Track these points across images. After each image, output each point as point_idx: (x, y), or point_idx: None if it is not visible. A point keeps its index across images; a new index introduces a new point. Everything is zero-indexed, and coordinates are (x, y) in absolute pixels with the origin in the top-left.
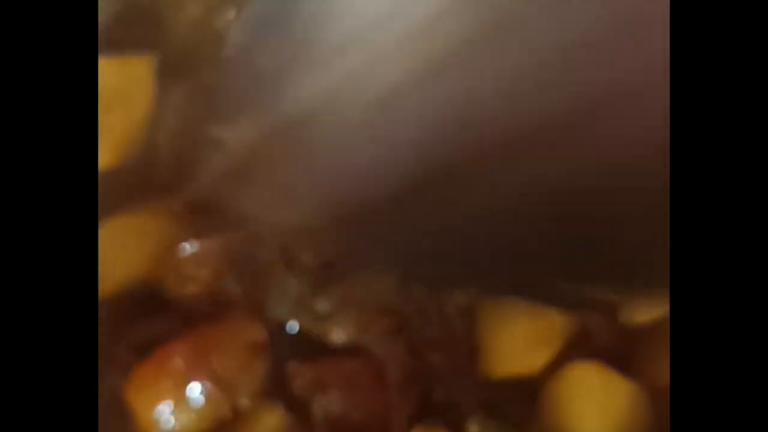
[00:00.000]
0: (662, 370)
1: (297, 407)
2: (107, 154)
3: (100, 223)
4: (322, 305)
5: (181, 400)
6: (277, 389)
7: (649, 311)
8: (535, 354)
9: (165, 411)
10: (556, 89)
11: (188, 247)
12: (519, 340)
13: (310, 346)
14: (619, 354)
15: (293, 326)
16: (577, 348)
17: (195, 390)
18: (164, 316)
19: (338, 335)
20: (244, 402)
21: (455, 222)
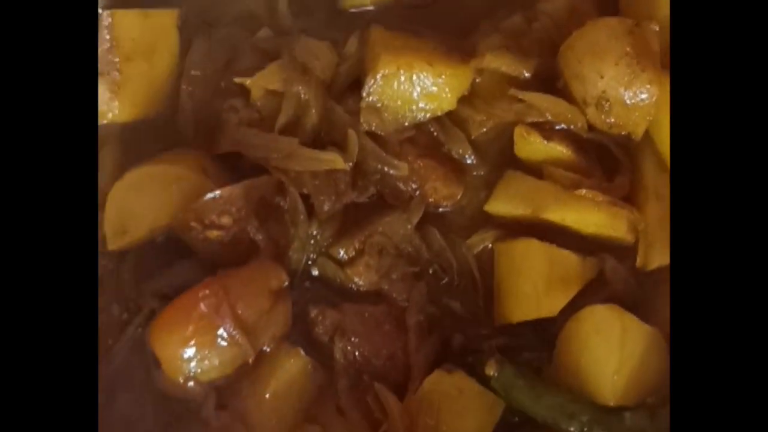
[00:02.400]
0: None
1: (318, 352)
2: (131, 105)
3: (125, 173)
4: (343, 252)
5: (204, 344)
6: (298, 334)
7: (665, 257)
8: (552, 297)
9: (189, 355)
10: None
11: (211, 195)
12: (537, 284)
13: (331, 292)
14: (636, 297)
15: (314, 272)
16: (594, 291)
17: (218, 334)
18: (188, 263)
19: (358, 281)
20: (267, 346)
21: None
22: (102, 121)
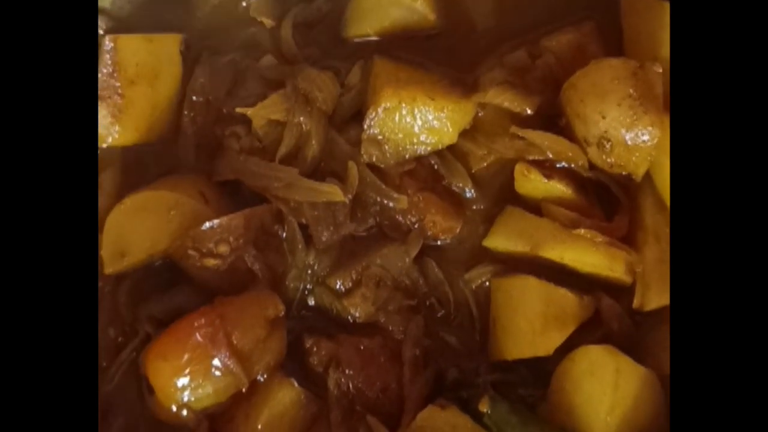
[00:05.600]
0: None
1: (312, 382)
2: (133, 129)
3: (125, 197)
4: (340, 282)
5: (199, 373)
6: (292, 364)
7: (662, 298)
8: (548, 336)
9: (183, 384)
10: None
11: (209, 224)
12: (533, 322)
13: (327, 323)
14: (631, 338)
15: (311, 302)
16: (590, 330)
17: (213, 364)
18: (185, 289)
19: (355, 312)
20: (261, 375)
21: None
22: (102, 144)
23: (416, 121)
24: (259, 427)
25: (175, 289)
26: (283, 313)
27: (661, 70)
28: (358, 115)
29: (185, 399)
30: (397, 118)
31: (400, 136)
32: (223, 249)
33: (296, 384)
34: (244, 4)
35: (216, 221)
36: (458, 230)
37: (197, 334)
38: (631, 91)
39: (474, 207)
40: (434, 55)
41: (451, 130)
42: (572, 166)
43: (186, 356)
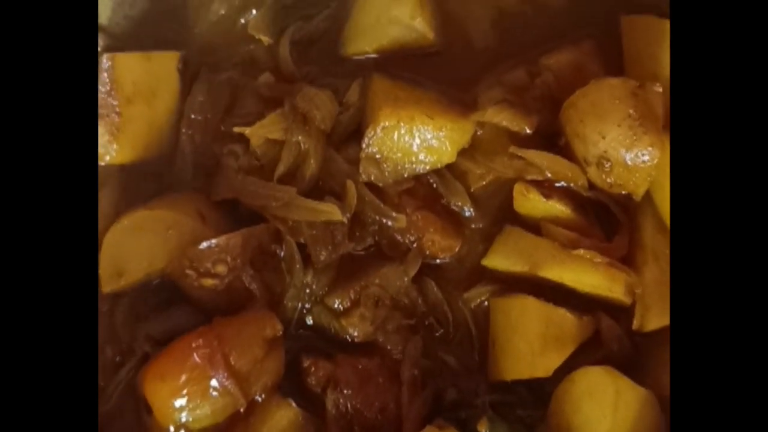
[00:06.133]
0: None
1: (309, 402)
2: (130, 147)
3: (122, 216)
4: (338, 302)
5: (196, 394)
6: (290, 383)
7: (662, 319)
8: (547, 357)
9: (180, 404)
10: None
11: (207, 243)
12: (532, 343)
13: (325, 342)
14: (631, 359)
15: (309, 322)
16: (589, 351)
17: (211, 385)
18: (182, 308)
19: (353, 332)
20: (259, 395)
21: None
22: (100, 163)
23: (415, 140)
24: None
25: (172, 308)
26: (281, 332)
27: (661, 90)
28: (356, 134)
29: (183, 419)
30: (395, 137)
31: (399, 155)
32: (221, 269)
33: (294, 404)
34: (242, 21)
35: (214, 241)
36: (457, 249)
37: (195, 355)
38: (631, 111)
39: (473, 226)
40: (433, 74)
41: (449, 149)
42: (572, 185)
43: (184, 377)
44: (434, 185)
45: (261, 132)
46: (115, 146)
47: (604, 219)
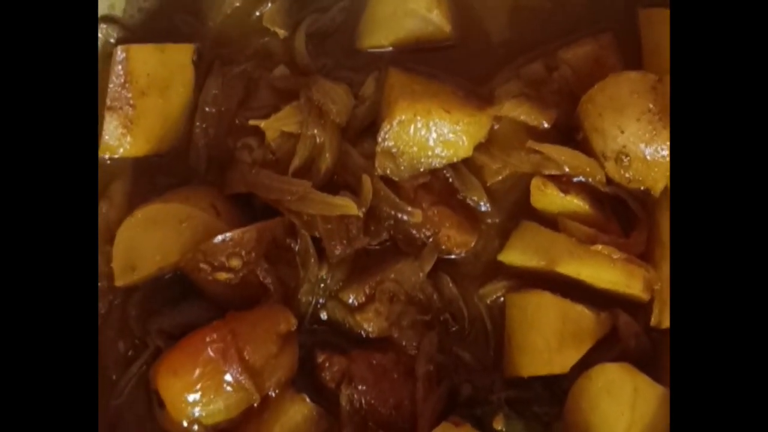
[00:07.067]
0: None
1: (323, 398)
2: (144, 140)
3: (136, 209)
4: (353, 297)
5: (210, 389)
6: (304, 379)
7: None
8: (564, 354)
9: (194, 399)
10: None
11: (221, 237)
12: (549, 339)
13: (339, 337)
14: (648, 355)
15: (323, 317)
16: (607, 348)
17: (225, 379)
18: (196, 302)
19: (368, 327)
20: (272, 391)
21: None
22: (114, 155)
23: (431, 134)
24: None
25: (185, 302)
26: (295, 327)
27: None
28: (372, 127)
29: (196, 414)
30: (411, 131)
31: (415, 149)
32: (235, 263)
33: (308, 400)
34: (257, 13)
35: (228, 234)
36: (473, 244)
37: (209, 350)
38: (650, 105)
39: (489, 221)
40: (449, 67)
41: (466, 143)
42: (589, 180)
43: (197, 371)
44: (450, 180)
45: (276, 125)
46: (128, 139)
47: (622, 215)
